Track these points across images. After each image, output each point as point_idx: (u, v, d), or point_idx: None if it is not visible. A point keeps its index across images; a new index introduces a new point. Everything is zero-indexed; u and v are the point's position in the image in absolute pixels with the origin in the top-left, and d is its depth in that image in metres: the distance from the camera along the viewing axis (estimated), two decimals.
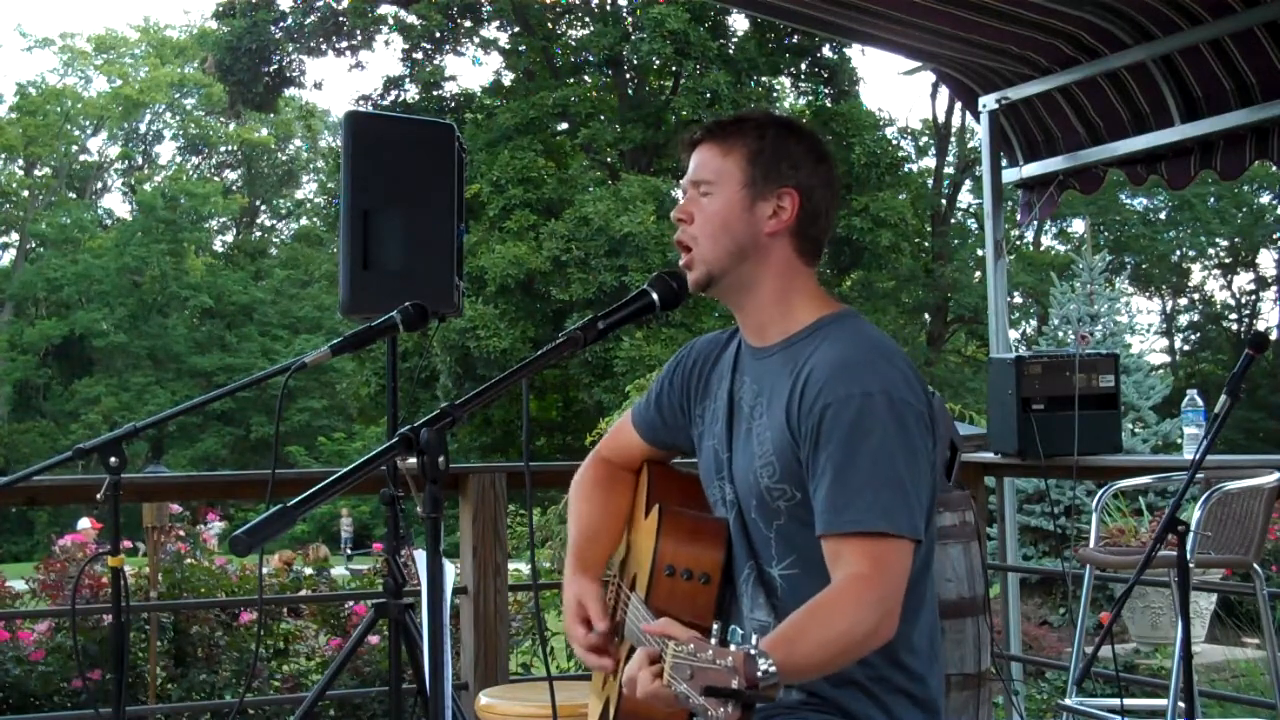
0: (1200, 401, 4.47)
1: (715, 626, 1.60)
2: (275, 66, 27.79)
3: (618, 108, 25.41)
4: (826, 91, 25.88)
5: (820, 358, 2.00)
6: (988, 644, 3.99)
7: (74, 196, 41.39)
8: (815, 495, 1.96)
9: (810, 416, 1.96)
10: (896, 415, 1.93)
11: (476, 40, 27.26)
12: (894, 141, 26.92)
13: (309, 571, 7.05)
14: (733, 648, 1.53)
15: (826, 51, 25.27)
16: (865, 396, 1.93)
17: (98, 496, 2.61)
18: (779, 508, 2.03)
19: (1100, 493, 4.32)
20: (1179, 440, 7.51)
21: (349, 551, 23.93)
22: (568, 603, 2.20)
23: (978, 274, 26.41)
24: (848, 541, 1.90)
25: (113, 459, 2.59)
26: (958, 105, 16.31)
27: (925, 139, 30.06)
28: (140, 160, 43.10)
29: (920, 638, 2.04)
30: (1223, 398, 2.67)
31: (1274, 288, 31.90)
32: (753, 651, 1.52)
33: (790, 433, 2.00)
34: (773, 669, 1.52)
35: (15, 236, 40.12)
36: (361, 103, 25.87)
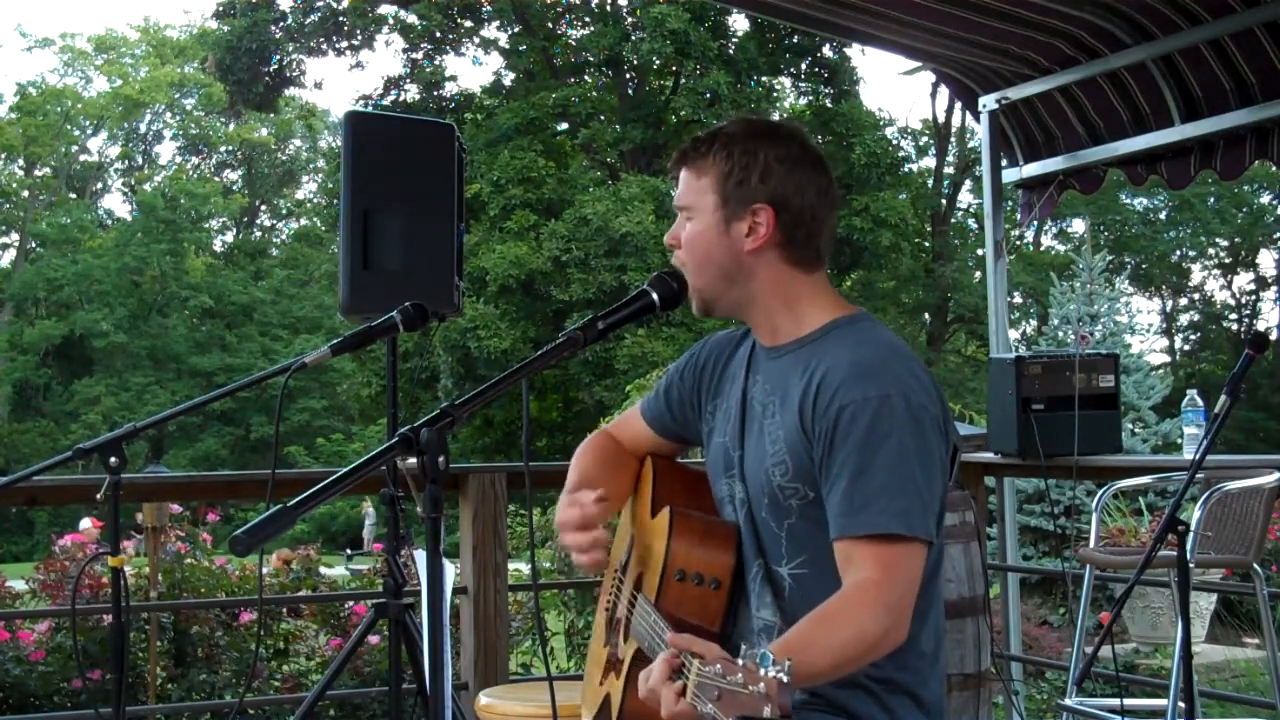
0: (1200, 401, 4.47)
1: (744, 648, 1.57)
2: (275, 66, 27.84)
3: (618, 108, 25.41)
4: (827, 91, 25.89)
5: (835, 359, 1.99)
6: (988, 644, 3.99)
7: (74, 196, 41.36)
8: (829, 497, 1.96)
9: (825, 417, 1.95)
10: (913, 418, 1.93)
11: (476, 40, 27.28)
12: (894, 141, 26.97)
13: (323, 570, 7.04)
14: (763, 671, 1.49)
15: (826, 51, 25.29)
16: (882, 399, 1.92)
17: (98, 496, 2.61)
18: (791, 506, 2.03)
19: (1100, 493, 4.32)
20: (1179, 440, 7.51)
21: (348, 552, 23.93)
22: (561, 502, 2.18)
23: (978, 274, 26.45)
24: (861, 545, 1.90)
25: (113, 459, 2.58)
26: (958, 105, 16.30)
27: (925, 139, 30.09)
28: (140, 160, 43.10)
29: (927, 640, 2.04)
30: (1223, 398, 2.66)
31: (1274, 288, 31.91)
32: (782, 676, 1.47)
33: (804, 432, 1.99)
34: (785, 677, 1.50)
35: (15, 236, 40.12)
36: (361, 103, 25.86)
